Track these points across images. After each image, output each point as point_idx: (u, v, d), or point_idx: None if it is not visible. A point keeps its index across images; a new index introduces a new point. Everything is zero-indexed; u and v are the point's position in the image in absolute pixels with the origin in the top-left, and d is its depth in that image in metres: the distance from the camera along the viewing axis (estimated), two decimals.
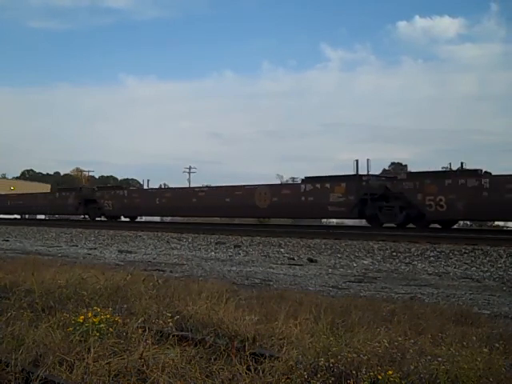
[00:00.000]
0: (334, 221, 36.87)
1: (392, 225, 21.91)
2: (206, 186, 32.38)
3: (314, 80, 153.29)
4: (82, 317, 4.82)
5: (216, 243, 18.40)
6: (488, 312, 7.10)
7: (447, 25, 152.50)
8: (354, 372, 3.73)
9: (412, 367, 3.82)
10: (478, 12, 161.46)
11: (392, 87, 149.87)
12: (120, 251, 17.23)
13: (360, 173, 22.79)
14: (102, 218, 35.53)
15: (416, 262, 13.40)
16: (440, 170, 22.61)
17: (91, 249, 18.25)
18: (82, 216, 38.04)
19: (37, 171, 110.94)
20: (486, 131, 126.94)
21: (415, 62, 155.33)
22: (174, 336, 4.61)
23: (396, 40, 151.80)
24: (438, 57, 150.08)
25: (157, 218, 43.02)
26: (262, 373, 3.82)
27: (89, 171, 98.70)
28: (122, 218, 37.74)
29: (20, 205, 42.74)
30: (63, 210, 39.06)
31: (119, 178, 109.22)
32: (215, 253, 16.53)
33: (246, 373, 3.83)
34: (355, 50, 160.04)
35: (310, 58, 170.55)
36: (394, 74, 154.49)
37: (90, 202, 34.97)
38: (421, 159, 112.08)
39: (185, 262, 13.73)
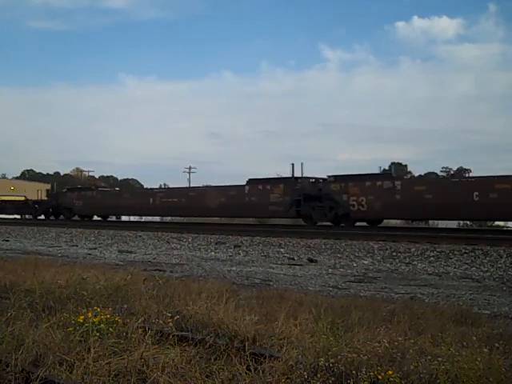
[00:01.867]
0: None
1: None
2: None
3: (313, 80, 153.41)
4: (82, 317, 4.83)
5: (216, 243, 18.40)
6: (488, 312, 7.10)
7: (445, 25, 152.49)
8: (354, 372, 3.73)
9: (412, 367, 3.82)
10: (477, 12, 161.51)
11: (391, 87, 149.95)
12: (120, 251, 17.23)
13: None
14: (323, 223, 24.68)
15: (416, 262, 13.40)
16: None
17: (91, 249, 18.25)
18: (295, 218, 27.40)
19: (37, 171, 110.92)
20: (484, 131, 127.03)
21: (414, 62, 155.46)
22: (174, 336, 4.61)
23: (394, 40, 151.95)
24: (436, 57, 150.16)
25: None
26: (262, 373, 3.82)
27: (89, 171, 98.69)
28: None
29: (174, 204, 30.35)
30: (260, 212, 27.16)
31: (119, 178, 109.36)
32: (215, 253, 16.52)
33: (246, 373, 3.83)
34: (354, 50, 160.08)
35: (309, 58, 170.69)
36: (393, 74, 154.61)
37: (316, 199, 24.16)
38: (420, 159, 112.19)
39: (185, 262, 13.73)
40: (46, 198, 40.53)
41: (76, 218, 38.31)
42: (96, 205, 35.44)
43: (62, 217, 39.13)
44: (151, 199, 31.69)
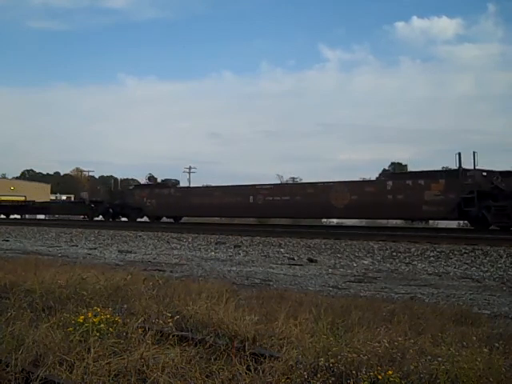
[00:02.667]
0: (334, 221, 36.76)
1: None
2: None
3: (312, 80, 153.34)
4: (82, 317, 4.83)
5: (216, 243, 18.40)
6: (488, 312, 7.10)
7: (445, 25, 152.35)
8: (354, 372, 3.73)
9: (412, 367, 3.82)
10: (476, 12, 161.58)
11: (391, 87, 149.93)
12: (120, 251, 17.23)
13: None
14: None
15: (416, 262, 13.40)
16: None
17: (91, 249, 18.25)
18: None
19: (37, 171, 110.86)
20: (484, 131, 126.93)
21: (413, 62, 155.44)
22: (174, 336, 4.61)
23: (394, 40, 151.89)
24: (436, 57, 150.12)
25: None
26: (262, 373, 3.82)
27: (89, 171, 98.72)
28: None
29: (285, 204, 25.44)
30: (409, 213, 22.03)
31: (119, 178, 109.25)
32: (215, 253, 16.53)
33: (246, 373, 3.83)
34: (353, 51, 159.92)
35: (309, 58, 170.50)
36: (393, 74, 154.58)
37: (490, 197, 19.10)
38: (421, 159, 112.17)
39: (185, 262, 13.74)
40: (105, 197, 34.97)
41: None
42: (175, 204, 30.20)
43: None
44: (251, 197, 26.52)
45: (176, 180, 33.41)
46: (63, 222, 33.29)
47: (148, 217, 32.71)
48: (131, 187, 34.73)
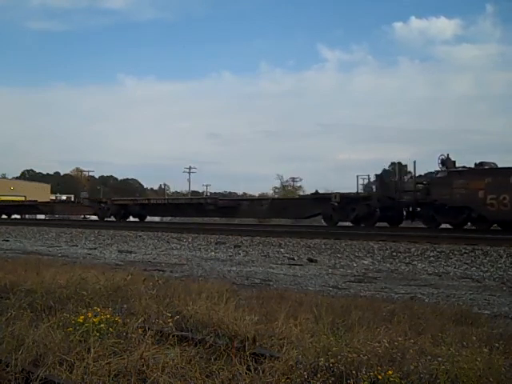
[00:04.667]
0: None
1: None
2: None
3: (312, 80, 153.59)
4: (82, 317, 4.83)
5: (216, 243, 18.39)
6: (488, 312, 7.10)
7: (443, 26, 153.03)
8: (354, 372, 3.73)
9: (412, 367, 3.82)
10: (474, 13, 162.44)
11: (390, 87, 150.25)
12: (120, 251, 17.22)
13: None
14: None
15: (416, 262, 13.40)
16: None
17: (91, 249, 18.23)
18: None
19: (37, 171, 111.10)
20: (484, 131, 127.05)
21: (412, 62, 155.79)
22: (174, 336, 4.61)
23: (393, 41, 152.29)
24: (434, 57, 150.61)
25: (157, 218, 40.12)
26: (262, 373, 3.81)
27: (89, 171, 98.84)
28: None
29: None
30: None
31: (119, 178, 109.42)
32: (215, 253, 16.52)
33: (246, 373, 3.83)
34: (352, 51, 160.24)
35: (308, 58, 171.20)
36: (392, 75, 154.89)
37: None
38: (420, 159, 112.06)
39: (185, 262, 13.73)
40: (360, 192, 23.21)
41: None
42: None
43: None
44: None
45: (493, 163, 20.80)
46: (63, 222, 33.22)
47: (484, 222, 19.61)
48: (443, 174, 20.81)
